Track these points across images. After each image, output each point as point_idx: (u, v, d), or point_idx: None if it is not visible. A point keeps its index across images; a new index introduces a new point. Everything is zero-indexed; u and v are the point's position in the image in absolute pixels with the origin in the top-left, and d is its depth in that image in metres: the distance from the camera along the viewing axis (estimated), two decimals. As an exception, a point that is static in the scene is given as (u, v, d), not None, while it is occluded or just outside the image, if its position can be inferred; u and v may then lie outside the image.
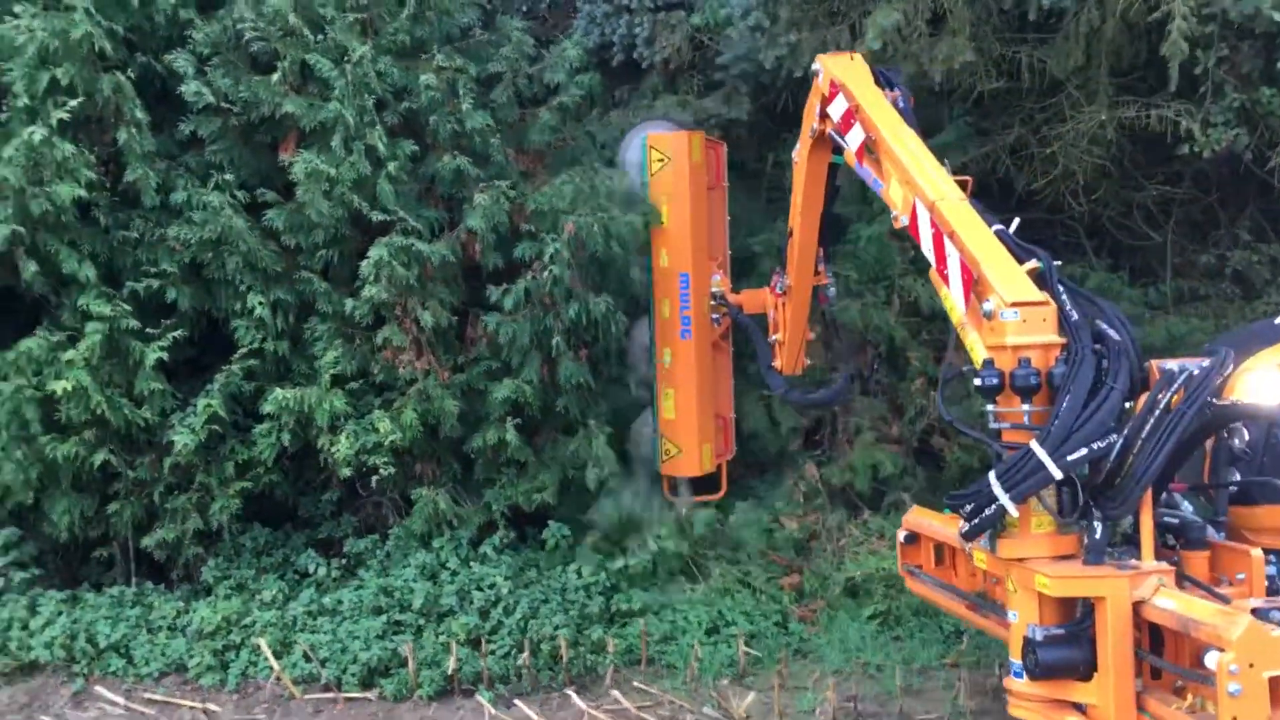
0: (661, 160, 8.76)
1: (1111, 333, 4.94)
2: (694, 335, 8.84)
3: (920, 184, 5.61)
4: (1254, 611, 4.51)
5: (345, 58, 8.18)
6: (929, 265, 5.60)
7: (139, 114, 7.80)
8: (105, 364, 7.72)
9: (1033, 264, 5.19)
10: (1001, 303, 4.95)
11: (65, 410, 7.68)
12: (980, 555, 5.26)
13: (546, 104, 9.13)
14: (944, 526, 6.07)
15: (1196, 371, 4.80)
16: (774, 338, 8.55)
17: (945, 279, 5.40)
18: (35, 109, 7.60)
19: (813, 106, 6.91)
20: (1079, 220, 9.87)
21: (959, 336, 5.40)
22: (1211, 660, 4.23)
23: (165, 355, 7.84)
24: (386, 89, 8.34)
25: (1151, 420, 4.68)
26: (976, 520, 4.99)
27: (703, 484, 9.26)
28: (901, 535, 6.42)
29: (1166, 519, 5.14)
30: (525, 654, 7.34)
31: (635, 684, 7.43)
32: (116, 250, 7.97)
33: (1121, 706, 4.66)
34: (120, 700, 7.28)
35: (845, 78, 6.49)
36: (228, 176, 7.98)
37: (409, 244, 8.03)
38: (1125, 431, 4.70)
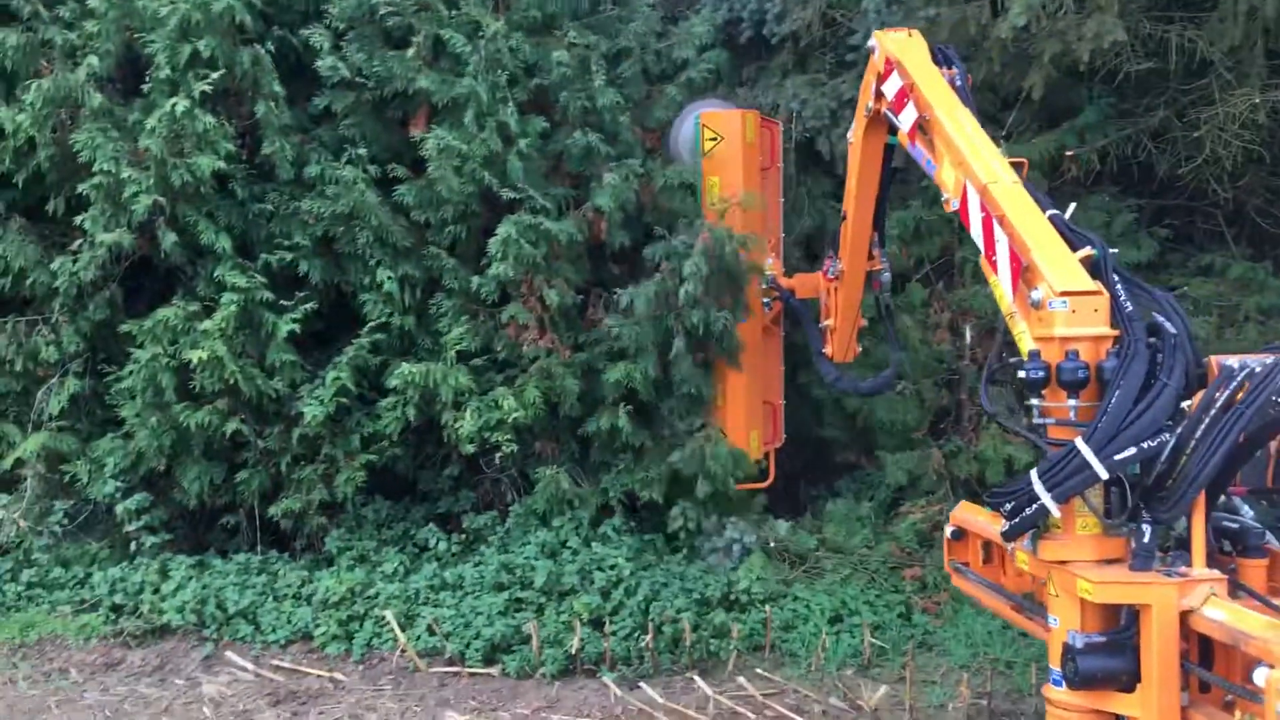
0: (714, 139, 8.46)
1: (1168, 325, 4.66)
2: (745, 319, 8.51)
3: (973, 166, 5.35)
4: None
5: (478, 33, 8.15)
6: (978, 252, 5.27)
7: (276, 87, 7.87)
8: (239, 335, 7.82)
9: (1087, 251, 4.89)
10: (1050, 291, 4.69)
11: (199, 379, 7.80)
12: (1023, 556, 5.03)
13: (674, 80, 9.03)
14: (991, 523, 5.69)
15: (1259, 368, 4.44)
16: (825, 323, 8.25)
17: (994, 266, 5.13)
18: (176, 81, 7.71)
19: (868, 84, 6.64)
20: (1220, 207, 9.45)
21: (1008, 327, 5.09)
22: (1261, 677, 3.94)
23: (297, 327, 7.91)
24: (518, 65, 8.30)
25: (1208, 419, 4.40)
26: (1017, 520, 4.76)
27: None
28: (949, 531, 6.14)
29: (1224, 523, 4.85)
30: (649, 636, 7.27)
31: (758, 671, 7.32)
32: (251, 222, 8.08)
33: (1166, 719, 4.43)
34: (250, 666, 7.39)
35: (901, 54, 6.20)
36: (361, 151, 8.01)
37: (537, 222, 7.99)
38: (1179, 430, 4.44)
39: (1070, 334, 4.67)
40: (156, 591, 7.91)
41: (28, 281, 7.99)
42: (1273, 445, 4.88)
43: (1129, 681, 4.51)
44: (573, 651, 7.26)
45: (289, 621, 7.81)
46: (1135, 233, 9.47)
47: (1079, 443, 4.44)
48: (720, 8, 9.35)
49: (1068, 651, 4.64)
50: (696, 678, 7.12)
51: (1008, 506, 4.79)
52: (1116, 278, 4.82)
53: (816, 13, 8.94)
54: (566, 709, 6.91)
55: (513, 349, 8.30)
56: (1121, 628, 4.59)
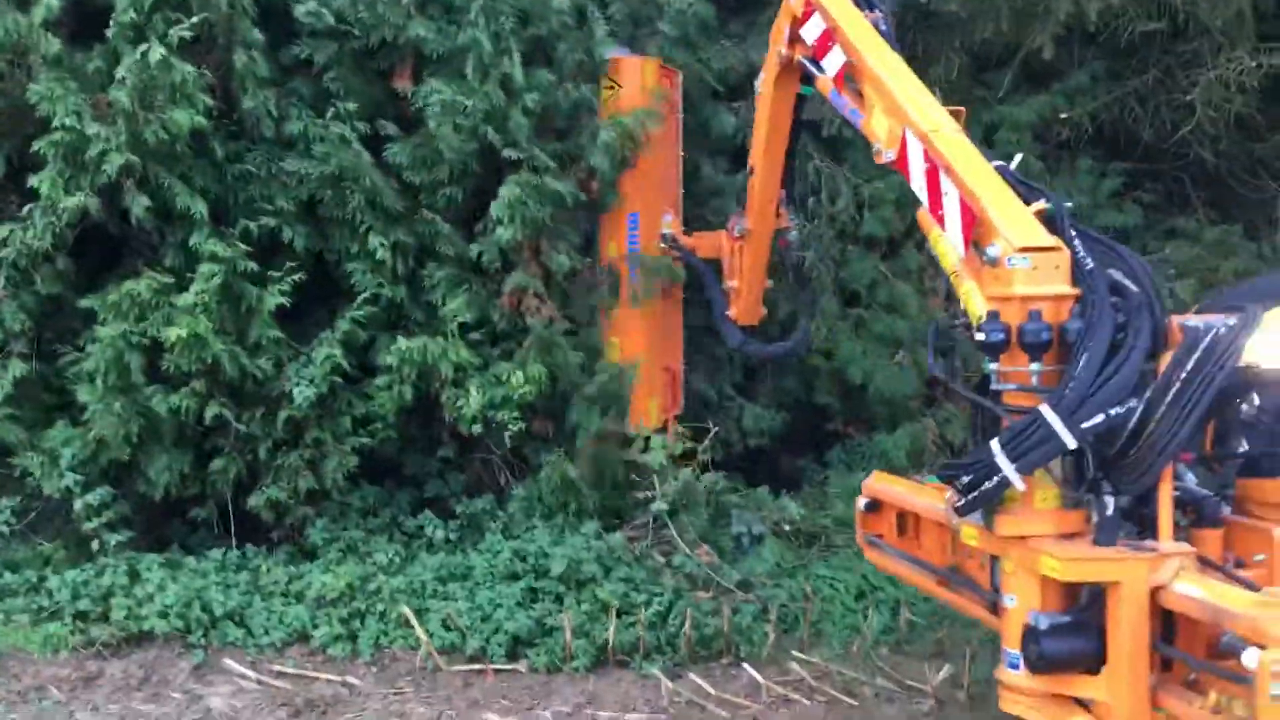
0: (611, 87, 7.97)
1: (1130, 284, 4.41)
2: (641, 279, 8.14)
3: (910, 113, 5.01)
4: None
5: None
6: (918, 203, 4.96)
7: (255, 34, 7.11)
8: (219, 309, 7.08)
9: (1041, 204, 4.61)
10: (1009, 247, 4.35)
11: (174, 360, 7.03)
12: (971, 532, 4.66)
13: (651, 32, 8.59)
14: (909, 494, 5.49)
15: (1224, 330, 4.20)
16: (729, 285, 7.97)
17: (940, 220, 4.78)
18: (141, 25, 6.87)
19: (780, 29, 6.31)
20: (1203, 173, 9.54)
21: (951, 285, 4.79)
22: (1251, 658, 3.62)
23: (286, 300, 7.21)
24: (513, 13, 7.71)
25: (1178, 384, 4.16)
26: (975, 494, 4.40)
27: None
28: (861, 503, 5.80)
29: (1175, 492, 4.54)
30: (686, 624, 6.90)
31: (795, 654, 7.02)
32: (229, 185, 7.29)
33: (1135, 703, 4.17)
34: (250, 673, 6.71)
35: None
36: (350, 106, 7.32)
37: (541, 182, 7.46)
38: (1147, 395, 4.20)
39: (1031, 293, 4.33)
40: (129, 595, 7.12)
41: (-33, 252, 7.05)
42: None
43: (1093, 663, 4.24)
44: (606, 642, 6.84)
45: (282, 622, 7.13)
46: (1119, 197, 9.50)
47: (1045, 409, 4.14)
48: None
49: (1030, 633, 4.33)
50: (747, 666, 6.79)
51: (964, 480, 4.42)
52: (1074, 233, 4.53)
53: (815, -35, 8.55)
54: (609, 703, 6.50)
55: (513, 320, 7.78)
56: (1084, 606, 4.35)
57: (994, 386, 4.47)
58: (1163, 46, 9.01)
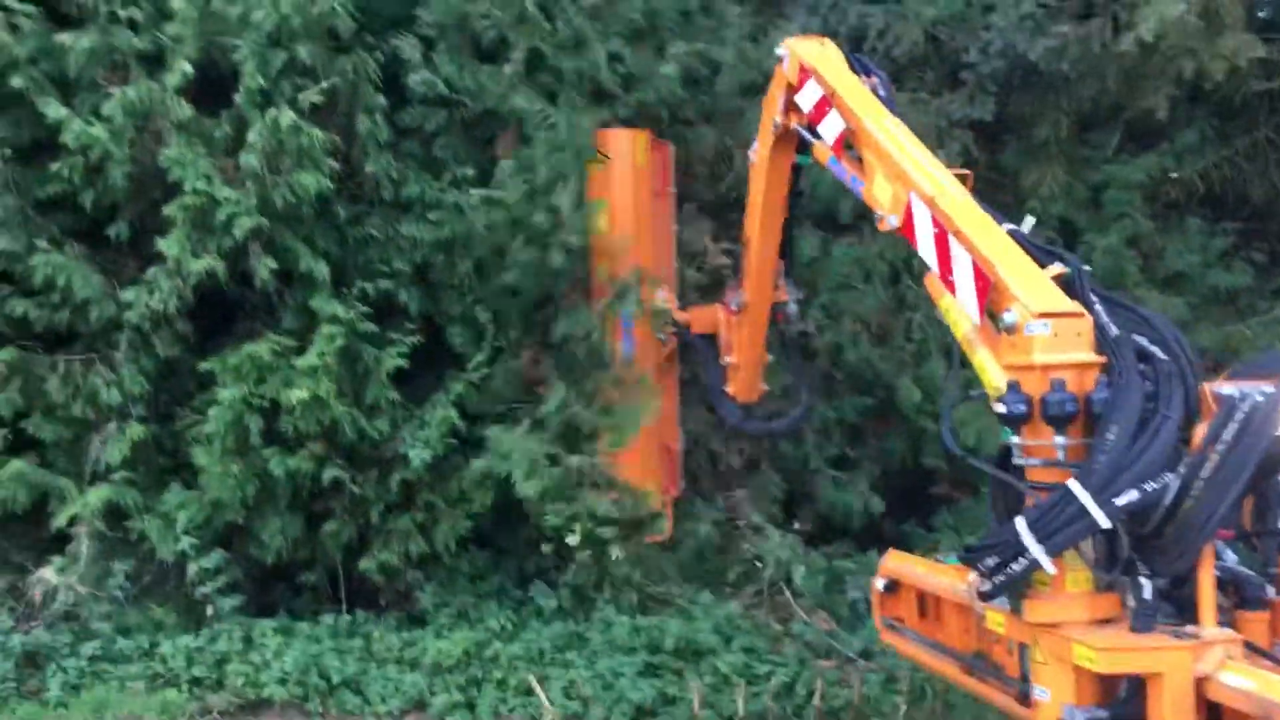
0: (602, 159, 7.72)
1: (1158, 351, 4.18)
2: (636, 355, 7.86)
3: (915, 177, 4.83)
4: None
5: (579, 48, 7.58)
6: (926, 269, 4.72)
7: (379, 99, 7.17)
8: (338, 371, 7.06)
9: (1058, 268, 4.41)
10: (1027, 313, 4.11)
11: (294, 421, 7.01)
12: (998, 618, 4.35)
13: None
14: (929, 574, 5.16)
15: (1262, 398, 3.91)
16: (727, 360, 7.67)
17: (950, 286, 4.54)
18: (268, 91, 6.95)
19: (774, 98, 6.14)
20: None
21: (963, 355, 4.52)
22: None
23: (404, 362, 7.18)
24: (617, 78, 7.75)
25: (1216, 457, 3.86)
26: (1001, 577, 4.10)
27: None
28: (879, 584, 5.46)
29: (1216, 571, 4.27)
30: (817, 695, 6.71)
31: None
32: (349, 248, 7.32)
33: None
34: (374, 742, 6.60)
35: (818, 62, 5.69)
36: (468, 171, 7.35)
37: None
38: (1182, 469, 3.90)
39: (1052, 361, 4.08)
40: (245, 661, 7.03)
41: (92, 316, 7.08)
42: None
43: None
44: (734, 714, 6.65)
45: (398, 690, 7.01)
46: (1228, 257, 9.32)
47: (1074, 485, 3.85)
48: (813, 22, 8.91)
49: None
50: (886, 736, 6.59)
51: (989, 562, 4.13)
52: (1095, 297, 4.31)
53: (921, 29, 8.58)
54: (743, 777, 6.32)
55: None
56: (1123, 699, 4.03)
57: (1016, 461, 4.18)
58: (1271, 105, 8.89)
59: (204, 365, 7.20)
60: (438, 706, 6.90)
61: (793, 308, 7.43)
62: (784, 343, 7.77)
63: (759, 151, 6.50)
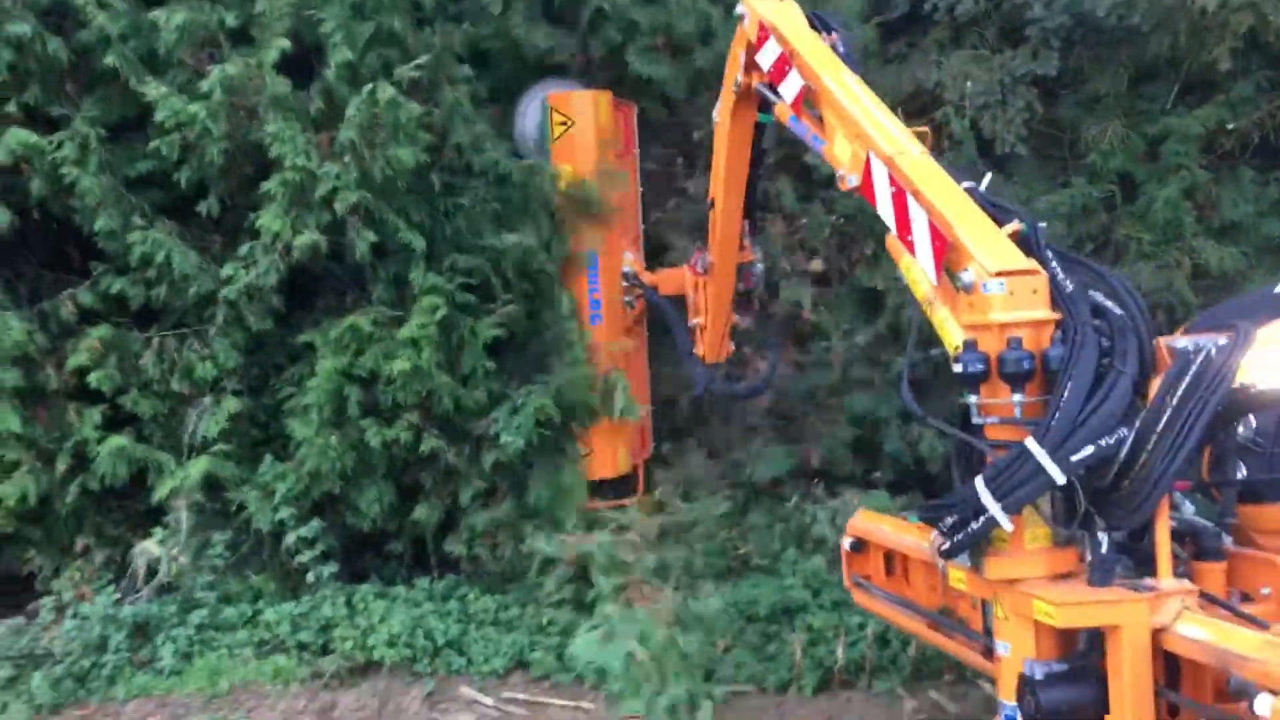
0: (564, 123, 7.67)
1: (1113, 306, 4.16)
2: (604, 320, 7.91)
3: (874, 136, 4.77)
4: None
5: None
6: (886, 230, 4.65)
7: (465, 70, 7.23)
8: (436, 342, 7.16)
9: (1014, 225, 4.36)
10: (984, 272, 4.09)
11: (393, 392, 7.12)
12: (959, 575, 4.37)
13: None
14: (896, 533, 5.19)
15: (1215, 351, 3.92)
16: (694, 322, 7.69)
17: (909, 245, 4.50)
18: (354, 64, 6.99)
19: (736, 57, 6.08)
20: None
21: (924, 315, 4.49)
22: (1264, 705, 3.33)
23: (500, 332, 7.30)
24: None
25: (1170, 410, 3.85)
26: (961, 535, 4.11)
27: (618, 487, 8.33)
28: (846, 543, 5.48)
29: (1173, 523, 4.27)
30: (911, 645, 6.92)
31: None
32: (439, 220, 7.39)
33: None
34: (485, 699, 6.79)
35: (777, 20, 5.62)
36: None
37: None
38: (1137, 424, 3.90)
39: (1009, 319, 4.06)
40: (353, 625, 7.19)
41: (189, 291, 7.16)
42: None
43: (1095, 713, 3.93)
44: (833, 664, 6.87)
45: (498, 650, 7.21)
46: (1280, 206, 9.47)
47: (1030, 443, 3.85)
48: (872, -20, 8.97)
49: (1025, 684, 4.04)
50: (984, 684, 6.80)
51: (949, 521, 4.15)
52: (1051, 254, 4.28)
53: (981, -15, 8.64)
54: (855, 724, 6.54)
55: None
56: (1083, 651, 4.06)
57: (975, 420, 4.16)
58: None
59: (303, 338, 7.29)
60: (537, 666, 7.10)
61: (758, 268, 7.44)
62: (750, 303, 7.74)
63: (721, 111, 6.44)
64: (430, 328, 6.97)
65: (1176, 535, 4.16)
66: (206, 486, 7.46)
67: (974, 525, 4.03)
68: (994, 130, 8.73)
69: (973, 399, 4.13)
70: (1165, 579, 3.94)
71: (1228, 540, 4.33)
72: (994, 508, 3.92)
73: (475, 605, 7.50)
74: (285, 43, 6.79)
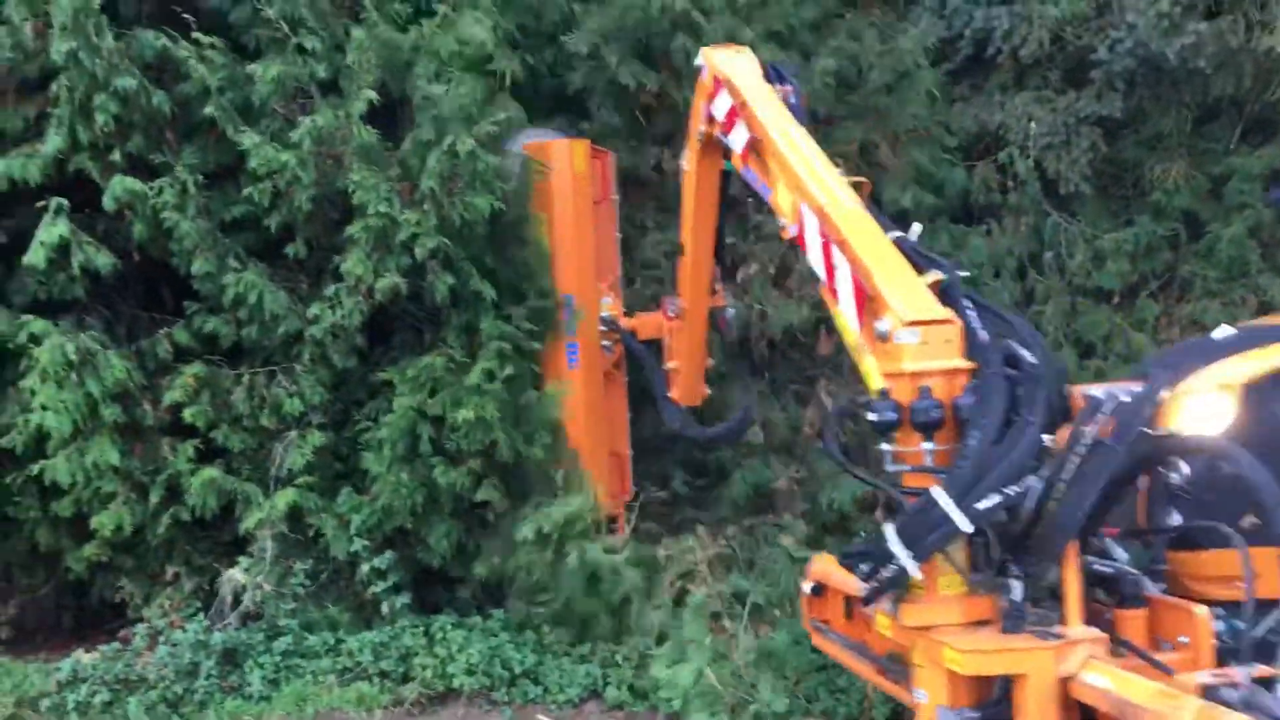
0: (540, 171, 7.76)
1: (1026, 355, 4.19)
2: (581, 364, 7.93)
3: (809, 186, 4.88)
4: (1203, 690, 3.68)
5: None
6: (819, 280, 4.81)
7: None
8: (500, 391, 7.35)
9: (935, 275, 4.45)
10: (898, 321, 4.17)
11: (457, 439, 7.34)
12: (884, 620, 4.41)
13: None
14: (851, 577, 4.99)
15: (1127, 398, 3.99)
16: (669, 366, 7.73)
17: (835, 295, 4.62)
18: (442, 119, 7.23)
19: (698, 107, 6.19)
20: None
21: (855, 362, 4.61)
22: None
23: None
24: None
25: (1076, 458, 3.91)
26: (875, 582, 4.18)
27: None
28: (807, 587, 5.53)
29: (1097, 569, 4.33)
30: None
31: None
32: (512, 267, 7.66)
33: None
34: (569, 729, 6.99)
35: (730, 71, 5.77)
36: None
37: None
38: (1045, 472, 3.94)
39: (921, 368, 4.14)
40: (431, 654, 7.41)
41: (278, 330, 7.46)
42: (1142, 481, 4.45)
43: None
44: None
45: (573, 681, 7.40)
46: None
47: (936, 492, 3.90)
48: (936, 24, 9.12)
49: None
50: None
51: (864, 568, 4.23)
52: (969, 303, 4.37)
53: (1047, 29, 8.77)
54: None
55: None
56: (995, 700, 4.10)
57: (888, 467, 4.22)
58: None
59: (383, 375, 7.55)
60: (613, 697, 7.27)
61: (729, 313, 7.52)
62: (724, 348, 7.86)
63: (688, 159, 6.54)
64: (496, 381, 7.21)
65: (1103, 581, 4.28)
66: (290, 517, 7.73)
67: (885, 572, 4.09)
68: (1058, 170, 8.88)
69: (886, 447, 4.22)
70: (1075, 627, 3.98)
71: (1154, 587, 4.33)
72: (902, 555, 3.97)
73: (549, 637, 7.70)
74: (372, 94, 7.07)
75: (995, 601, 4.12)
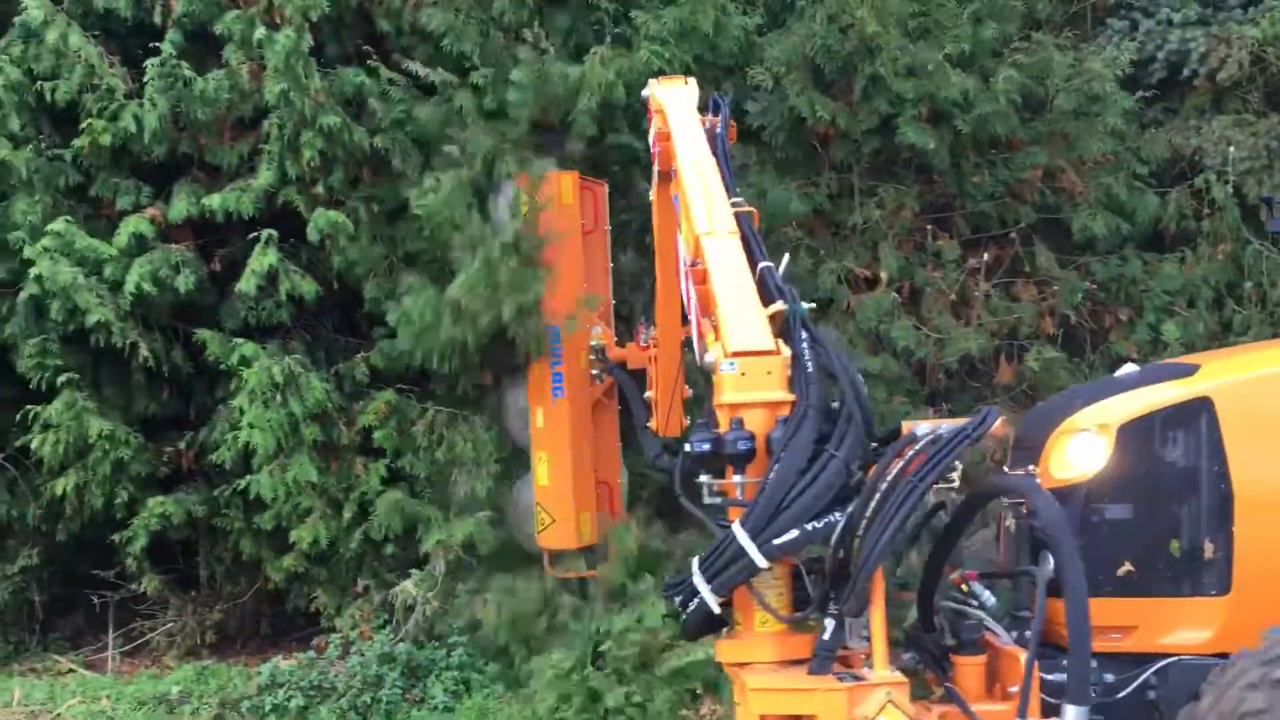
0: (529, 201, 7.59)
1: (849, 390, 4.05)
2: (567, 394, 7.72)
3: (695, 215, 4.74)
4: None
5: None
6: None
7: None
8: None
9: (777, 306, 4.28)
10: (720, 353, 4.06)
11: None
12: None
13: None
14: None
15: (945, 432, 3.86)
16: (648, 395, 7.44)
17: (698, 324, 4.53)
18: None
19: (651, 137, 6.03)
20: None
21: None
22: None
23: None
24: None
25: (878, 494, 3.76)
26: (685, 616, 4.11)
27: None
28: None
29: (950, 613, 4.29)
30: None
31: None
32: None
33: None
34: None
35: (664, 101, 5.70)
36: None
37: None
38: (850, 508, 3.80)
39: (739, 400, 4.01)
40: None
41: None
42: (1008, 524, 4.41)
43: None
44: None
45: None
46: None
47: (735, 527, 3.81)
48: (1128, 47, 8.85)
49: None
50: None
51: (677, 601, 4.13)
52: (805, 334, 4.20)
53: (1245, 51, 8.43)
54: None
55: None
56: None
57: (706, 500, 4.13)
58: None
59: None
60: None
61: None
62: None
63: (654, 190, 6.44)
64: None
65: (949, 623, 4.34)
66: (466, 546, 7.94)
67: (692, 606, 4.06)
68: (1258, 195, 8.49)
69: (705, 479, 4.14)
70: (879, 669, 3.87)
71: (1004, 634, 4.36)
72: (704, 589, 3.94)
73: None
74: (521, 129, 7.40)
75: (814, 640, 4.04)
